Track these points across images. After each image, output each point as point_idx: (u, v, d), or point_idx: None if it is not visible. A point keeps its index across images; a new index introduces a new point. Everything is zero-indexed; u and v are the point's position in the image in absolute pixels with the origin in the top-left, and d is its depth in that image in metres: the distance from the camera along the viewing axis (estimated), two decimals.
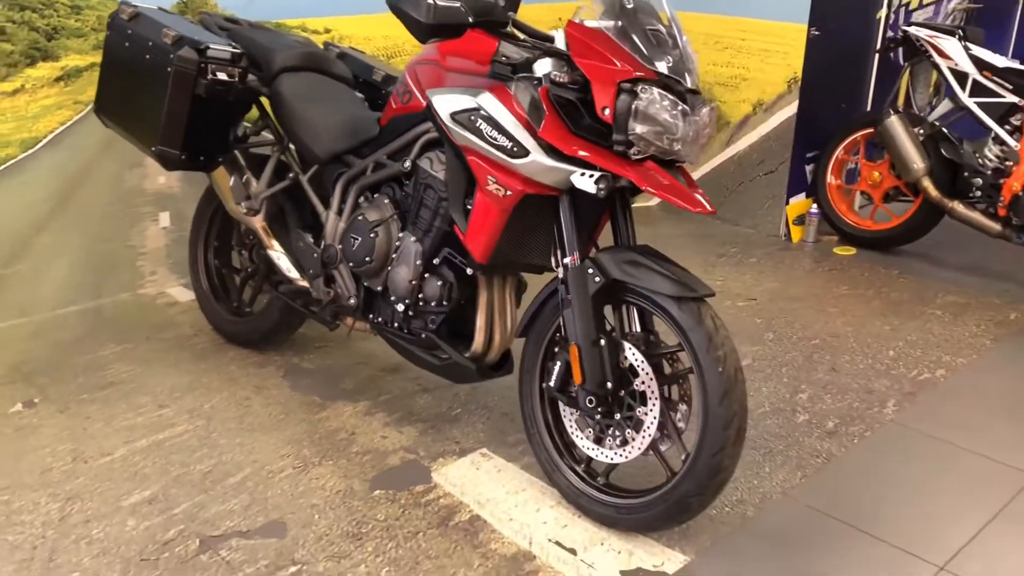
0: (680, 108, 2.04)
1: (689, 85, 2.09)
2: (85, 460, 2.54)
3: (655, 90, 2.02)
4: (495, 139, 2.15)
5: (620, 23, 2.07)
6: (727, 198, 4.97)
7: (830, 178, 4.55)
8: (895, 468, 2.52)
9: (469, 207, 2.29)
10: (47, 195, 3.43)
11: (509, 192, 2.17)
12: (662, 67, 2.05)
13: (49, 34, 3.28)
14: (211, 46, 2.62)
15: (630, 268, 2.11)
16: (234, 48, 2.70)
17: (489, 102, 2.17)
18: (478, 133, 2.17)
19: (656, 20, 2.13)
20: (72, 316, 3.52)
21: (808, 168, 4.66)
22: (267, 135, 3.01)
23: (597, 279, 2.14)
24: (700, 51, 4.90)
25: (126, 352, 3.23)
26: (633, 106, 1.99)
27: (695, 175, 5.15)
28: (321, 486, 2.43)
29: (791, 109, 4.50)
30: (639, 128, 2.00)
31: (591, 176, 2.05)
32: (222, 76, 2.65)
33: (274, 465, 2.52)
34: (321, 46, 3.17)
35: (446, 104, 2.24)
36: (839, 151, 4.52)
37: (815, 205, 4.57)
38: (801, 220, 4.62)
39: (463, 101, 2.21)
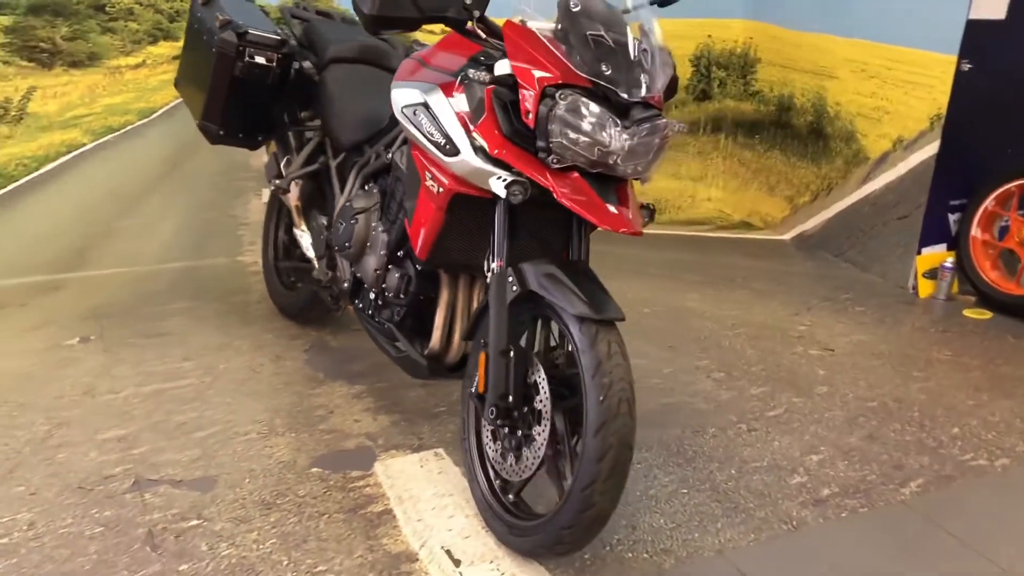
0: (609, 119, 1.90)
1: (631, 97, 1.94)
2: (93, 395, 2.79)
3: (578, 97, 1.90)
4: (432, 135, 2.12)
5: (560, 26, 1.96)
6: (858, 241, 4.52)
7: (976, 231, 3.99)
8: (868, 556, 2.17)
9: None
10: (159, 160, 3.81)
11: (441, 189, 2.14)
12: (597, 74, 1.93)
13: (171, 16, 3.65)
14: (250, 31, 2.79)
15: (547, 282, 1.99)
16: (275, 35, 2.86)
17: (435, 98, 2.14)
18: (419, 128, 2.16)
19: (606, 26, 2.00)
20: (166, 272, 3.88)
21: (952, 217, 4.12)
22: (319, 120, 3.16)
23: (515, 288, 2.04)
24: (844, 78, 4.55)
25: (191, 308, 3.52)
26: (552, 112, 1.89)
27: (826, 213, 4.74)
28: (269, 455, 2.50)
29: (931, 149, 3.99)
30: (556, 135, 1.90)
31: (503, 180, 1.97)
32: (260, 60, 2.81)
33: (242, 428, 2.63)
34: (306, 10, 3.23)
35: (401, 97, 2.24)
36: (989, 201, 3.96)
37: (950, 259, 4.03)
38: (933, 274, 4.09)
39: (414, 95, 2.20)
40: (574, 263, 2.09)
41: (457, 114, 2.10)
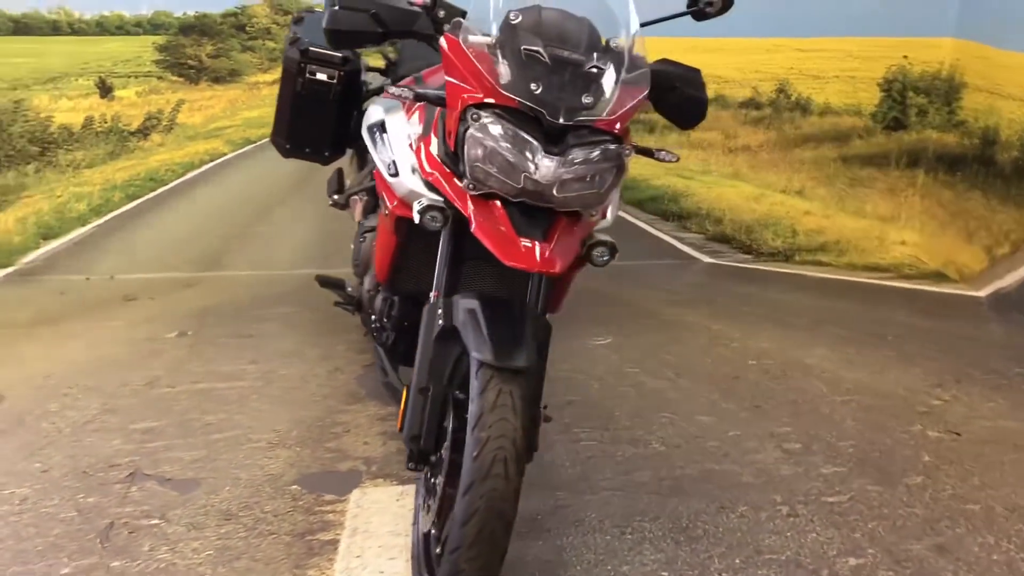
0: (531, 144, 1.69)
1: (564, 120, 1.71)
2: (152, 387, 2.97)
3: (493, 119, 1.71)
4: (382, 155, 2.02)
5: (496, 40, 1.77)
6: None
7: None
8: None
9: None
10: (292, 171, 4.00)
11: (387, 212, 2.03)
12: (524, 94, 1.71)
13: None
14: (312, 48, 2.83)
15: (465, 317, 1.80)
16: (338, 53, 2.88)
17: (393, 117, 2.05)
18: (375, 146, 2.07)
19: (558, 40, 1.77)
20: (288, 278, 4.08)
21: None
22: None
23: (440, 322, 1.87)
24: None
25: (290, 314, 3.66)
26: (465, 133, 1.72)
27: None
28: (263, 465, 2.50)
29: None
30: (468, 159, 1.72)
31: (420, 204, 1.82)
32: (321, 76, 2.85)
33: (257, 435, 2.66)
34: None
35: (370, 115, 2.16)
36: None
37: None
38: None
39: (378, 113, 2.11)
40: (506, 299, 1.88)
41: (409, 134, 1.99)
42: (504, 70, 1.73)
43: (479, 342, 1.70)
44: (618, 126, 1.78)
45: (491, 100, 1.72)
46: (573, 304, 3.78)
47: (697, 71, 2.24)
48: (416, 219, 1.81)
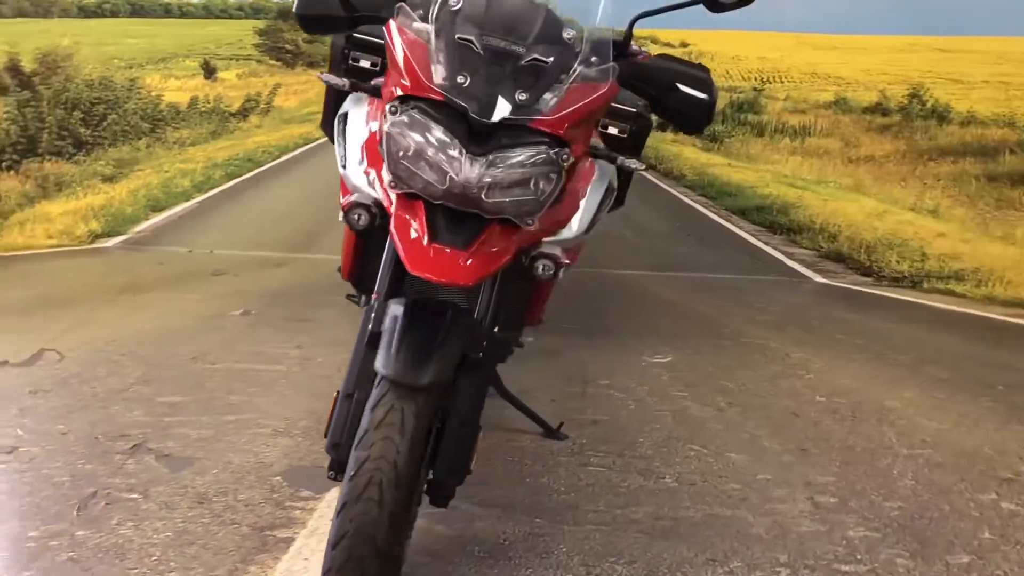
0: (451, 142, 1.56)
1: (487, 117, 1.56)
2: (196, 361, 3.06)
3: (412, 113, 1.58)
4: (337, 146, 1.93)
5: (434, 27, 1.64)
6: None
7: None
8: None
9: None
10: None
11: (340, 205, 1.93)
12: (450, 88, 1.58)
13: None
14: (355, 34, 2.78)
15: (390, 324, 1.69)
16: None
17: (357, 110, 1.95)
18: (337, 137, 1.98)
19: (504, 29, 1.63)
20: None
21: None
22: None
23: (370, 327, 1.77)
24: None
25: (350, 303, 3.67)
26: (383, 128, 1.60)
27: None
28: (258, 452, 2.50)
29: None
30: (387, 156, 1.61)
31: (344, 200, 1.72)
32: (364, 64, 2.79)
33: (267, 421, 2.67)
34: None
35: (344, 106, 2.07)
36: None
37: None
38: None
39: (348, 105, 2.02)
40: (438, 307, 1.75)
41: (369, 127, 1.89)
42: (435, 60, 1.60)
43: (385, 353, 1.60)
44: (561, 128, 1.61)
45: (420, 93, 1.60)
46: (639, 315, 3.57)
47: (704, 69, 2.01)
48: (340, 216, 1.72)
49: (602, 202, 2.06)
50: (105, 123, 4.10)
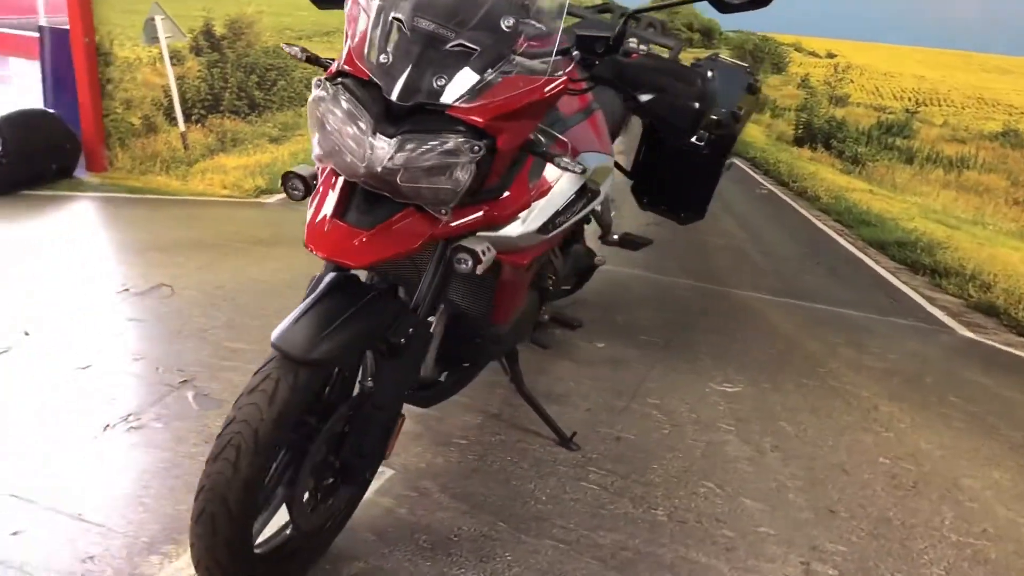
0: (363, 120, 1.58)
1: (400, 99, 1.57)
2: (278, 315, 3.25)
3: (333, 88, 1.62)
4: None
5: (377, 4, 1.66)
6: None
7: None
8: None
9: None
10: None
11: None
12: (372, 65, 1.61)
13: None
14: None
15: (310, 291, 1.76)
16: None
17: None
18: None
19: (420, 10, 1.63)
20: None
21: None
22: None
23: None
24: None
25: None
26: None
27: None
28: None
29: None
30: (311, 129, 1.66)
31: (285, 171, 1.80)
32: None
33: None
34: None
35: None
36: None
37: None
38: None
39: None
40: (363, 283, 1.79)
41: None
42: (367, 38, 1.64)
43: (284, 321, 1.66)
44: (481, 117, 1.58)
45: (347, 68, 1.64)
46: (733, 340, 3.34)
47: (694, 75, 1.89)
48: (281, 188, 1.80)
49: (569, 206, 1.99)
50: (275, 88, 4.44)
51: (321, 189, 1.70)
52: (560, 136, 1.91)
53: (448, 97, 1.58)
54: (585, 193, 2.00)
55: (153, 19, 4.75)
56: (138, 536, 2.03)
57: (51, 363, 2.78)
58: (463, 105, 1.58)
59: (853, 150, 3.63)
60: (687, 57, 3.21)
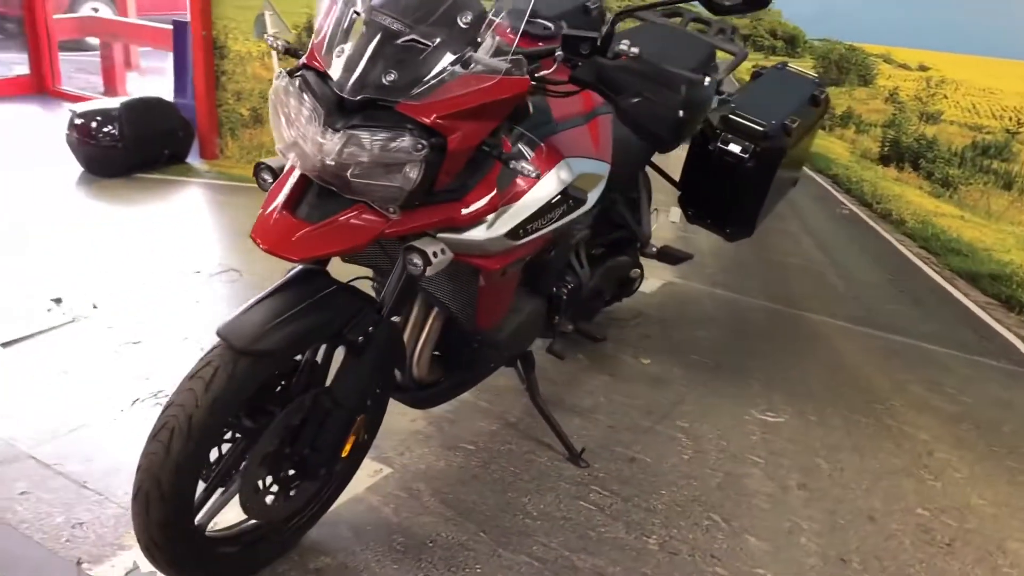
0: (312, 112, 1.60)
1: (347, 93, 1.58)
2: None
3: (289, 80, 1.65)
4: None
5: None
6: None
7: None
8: None
9: None
10: None
11: None
12: (328, 59, 1.63)
13: None
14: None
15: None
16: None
17: None
18: None
19: (380, 5, 1.63)
20: None
21: None
22: None
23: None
24: None
25: None
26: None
27: None
28: None
29: None
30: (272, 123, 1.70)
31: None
32: None
33: None
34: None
35: None
36: None
37: None
38: None
39: None
40: (328, 278, 1.81)
41: None
42: (331, 31, 1.66)
43: (231, 320, 1.70)
44: (429, 115, 1.57)
45: (307, 61, 1.68)
46: (791, 367, 3.14)
47: (680, 80, 1.80)
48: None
49: (544, 212, 1.93)
50: None
51: (278, 181, 1.73)
52: (534, 138, 1.85)
53: (399, 93, 1.57)
54: (566, 200, 1.94)
55: (263, 14, 4.98)
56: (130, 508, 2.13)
57: (107, 336, 2.97)
58: (410, 102, 1.57)
59: (944, 172, 3.35)
60: (765, 64, 3.06)
